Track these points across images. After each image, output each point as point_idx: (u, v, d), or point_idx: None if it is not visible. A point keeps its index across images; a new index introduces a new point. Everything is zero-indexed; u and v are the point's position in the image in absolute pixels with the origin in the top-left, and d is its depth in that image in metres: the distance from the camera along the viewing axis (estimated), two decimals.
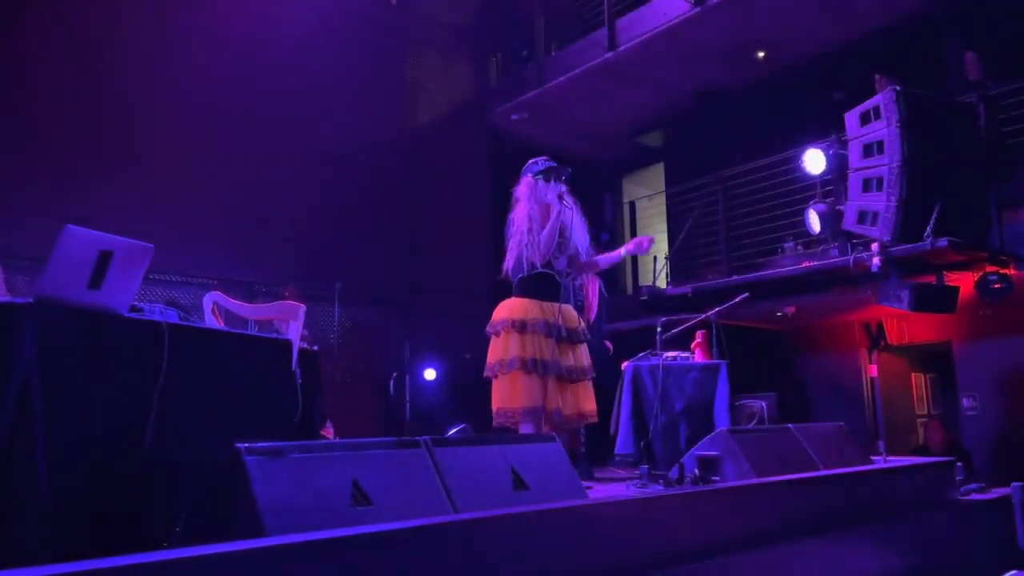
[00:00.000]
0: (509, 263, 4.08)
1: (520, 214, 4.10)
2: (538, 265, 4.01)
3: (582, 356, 4.11)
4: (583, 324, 4.21)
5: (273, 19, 7.96)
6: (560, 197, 4.05)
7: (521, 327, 3.92)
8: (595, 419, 4.20)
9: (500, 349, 3.96)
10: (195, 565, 1.82)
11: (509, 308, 4.02)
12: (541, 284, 4.05)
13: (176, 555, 1.82)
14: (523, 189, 4.17)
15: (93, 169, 6.64)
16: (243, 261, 7.36)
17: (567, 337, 4.01)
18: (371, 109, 8.81)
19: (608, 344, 5.81)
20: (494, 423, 3.97)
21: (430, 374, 8.24)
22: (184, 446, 2.59)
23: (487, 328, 4.07)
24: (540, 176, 4.12)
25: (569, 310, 4.12)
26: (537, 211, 4.07)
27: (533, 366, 3.86)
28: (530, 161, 4.26)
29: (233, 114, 7.52)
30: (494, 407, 3.96)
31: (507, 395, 3.91)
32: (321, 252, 7.89)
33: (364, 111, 8.68)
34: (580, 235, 4.19)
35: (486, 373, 4.02)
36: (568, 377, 3.99)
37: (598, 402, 4.24)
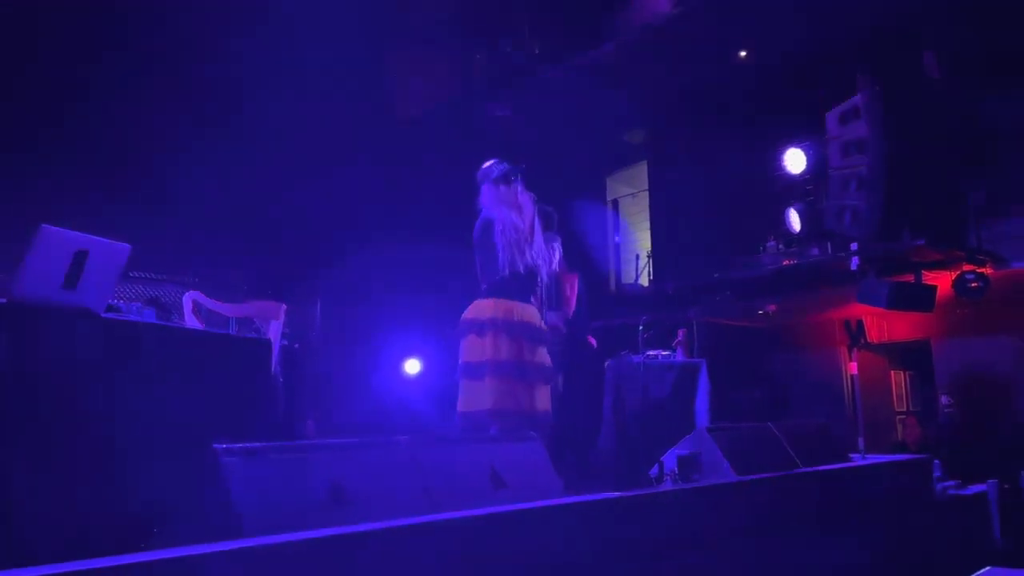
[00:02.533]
0: (479, 269, 4.09)
1: (485, 222, 4.13)
2: (520, 267, 4.05)
3: (545, 357, 4.12)
4: (543, 324, 4.21)
5: (254, 16, 7.90)
6: (518, 204, 4.13)
7: (490, 328, 3.93)
8: (550, 420, 4.19)
9: (469, 351, 3.96)
10: (174, 566, 1.81)
11: (477, 309, 4.03)
12: (512, 284, 4.07)
13: (155, 556, 1.82)
14: (487, 198, 4.21)
15: (71, 167, 6.57)
16: (224, 259, 7.31)
17: (533, 337, 4.02)
18: (354, 104, 8.77)
19: (591, 339, 5.77)
20: (461, 422, 3.94)
21: (413, 370, 8.23)
22: (162, 447, 2.57)
23: (462, 326, 4.06)
24: (500, 182, 4.17)
25: (533, 310, 4.13)
26: (501, 218, 4.12)
27: (503, 369, 3.86)
28: (483, 167, 4.29)
29: (212, 111, 7.47)
30: (462, 408, 3.94)
31: (476, 398, 3.90)
32: (303, 249, 7.85)
33: (348, 107, 8.64)
34: (539, 235, 4.23)
35: (464, 376, 3.99)
36: (534, 377, 3.99)
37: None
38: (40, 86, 6.60)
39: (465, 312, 4.09)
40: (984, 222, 6.35)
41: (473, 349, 3.97)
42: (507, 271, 4.04)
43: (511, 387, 3.87)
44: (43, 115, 6.58)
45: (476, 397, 3.92)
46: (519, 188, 4.17)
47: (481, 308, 4.04)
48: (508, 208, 4.14)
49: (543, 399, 4.03)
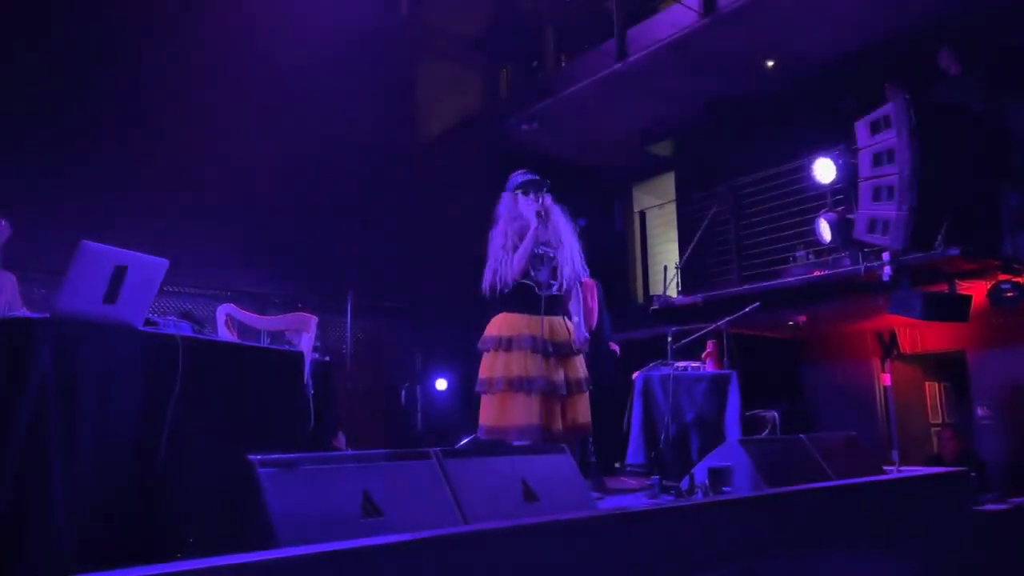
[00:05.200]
0: (485, 282, 4.02)
1: (497, 231, 4.07)
2: (510, 284, 3.97)
3: (576, 369, 4.05)
4: (574, 336, 4.13)
5: (284, 32, 8.04)
6: (539, 214, 4.00)
7: (507, 344, 3.90)
8: (589, 432, 4.16)
9: (487, 367, 3.95)
10: None
11: (497, 325, 4.00)
12: (522, 297, 4.00)
13: (189, 566, 1.85)
14: (502, 206, 4.15)
15: (107, 182, 6.71)
16: (256, 273, 7.42)
17: (555, 351, 3.94)
18: (382, 120, 8.87)
19: (614, 347, 5.73)
20: (482, 438, 3.94)
21: (441, 384, 8.26)
22: (198, 458, 2.62)
23: (479, 343, 4.04)
24: (519, 191, 4.10)
25: (557, 322, 4.04)
26: (514, 229, 4.04)
27: (519, 385, 3.82)
28: (512, 174, 4.23)
29: (245, 127, 7.60)
30: (483, 423, 3.93)
31: (496, 413, 3.88)
32: (333, 263, 7.94)
33: (375, 122, 8.74)
34: (569, 245, 4.13)
35: (476, 389, 4.00)
36: (559, 392, 3.91)
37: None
38: (79, 102, 6.76)
39: (487, 327, 4.08)
40: (1020, 230, 6.24)
41: (484, 366, 3.99)
42: (512, 284, 3.98)
43: (512, 403, 3.84)
44: (79, 133, 6.73)
45: (484, 412, 3.95)
46: (539, 200, 4.06)
47: (492, 324, 4.04)
48: (515, 219, 4.07)
49: (560, 415, 3.94)
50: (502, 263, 3.98)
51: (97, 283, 2.41)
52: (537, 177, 4.15)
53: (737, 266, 8.43)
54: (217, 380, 2.78)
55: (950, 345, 8.02)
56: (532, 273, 4.01)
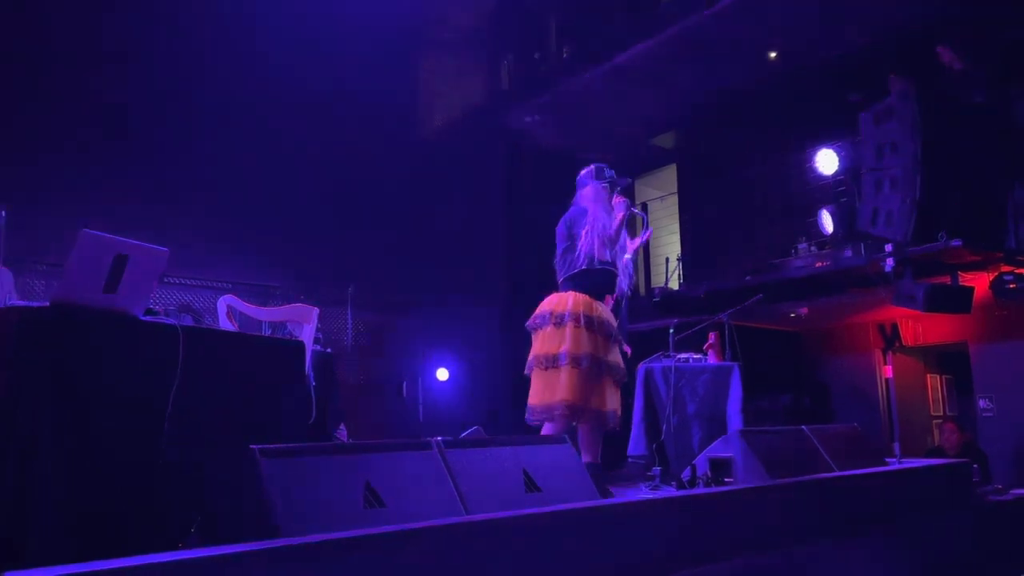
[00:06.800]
0: (584, 247, 4.10)
1: (595, 211, 4.21)
2: (608, 256, 4.12)
3: (619, 356, 4.15)
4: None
5: (285, 23, 8.01)
6: (629, 206, 4.27)
7: (588, 323, 3.93)
8: (617, 421, 4.22)
9: (544, 342, 3.94)
10: (209, 565, 1.84)
11: (574, 302, 3.99)
12: (598, 280, 4.11)
13: (191, 555, 1.85)
14: (588, 192, 4.33)
15: (108, 174, 6.70)
16: (257, 264, 7.41)
17: (609, 335, 4.05)
18: (384, 112, 8.84)
19: (627, 348, 5.74)
20: (530, 416, 3.92)
21: (443, 376, 8.27)
22: (199, 448, 2.61)
23: (538, 319, 4.03)
24: (605, 183, 4.33)
25: (607, 309, 4.15)
26: (606, 216, 4.21)
27: (577, 361, 3.86)
28: (590, 167, 4.43)
29: (247, 118, 7.57)
30: (534, 401, 3.93)
31: (549, 389, 3.88)
32: (334, 255, 7.93)
33: (377, 114, 8.71)
34: (623, 244, 4.37)
35: (539, 366, 3.95)
36: (608, 375, 4.00)
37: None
38: (80, 92, 6.74)
39: (542, 304, 4.09)
40: (1023, 222, 6.23)
41: (551, 340, 3.95)
42: (587, 265, 4.08)
43: (585, 382, 3.87)
44: (80, 124, 6.72)
45: (552, 388, 3.89)
46: (615, 195, 4.30)
47: (561, 300, 4.04)
48: (604, 207, 4.23)
49: (613, 399, 4.03)
50: (605, 237, 4.12)
51: (97, 272, 2.40)
52: (619, 176, 4.43)
53: (739, 258, 8.41)
54: (218, 370, 2.78)
55: (952, 337, 8.01)
56: (596, 258, 4.12)
